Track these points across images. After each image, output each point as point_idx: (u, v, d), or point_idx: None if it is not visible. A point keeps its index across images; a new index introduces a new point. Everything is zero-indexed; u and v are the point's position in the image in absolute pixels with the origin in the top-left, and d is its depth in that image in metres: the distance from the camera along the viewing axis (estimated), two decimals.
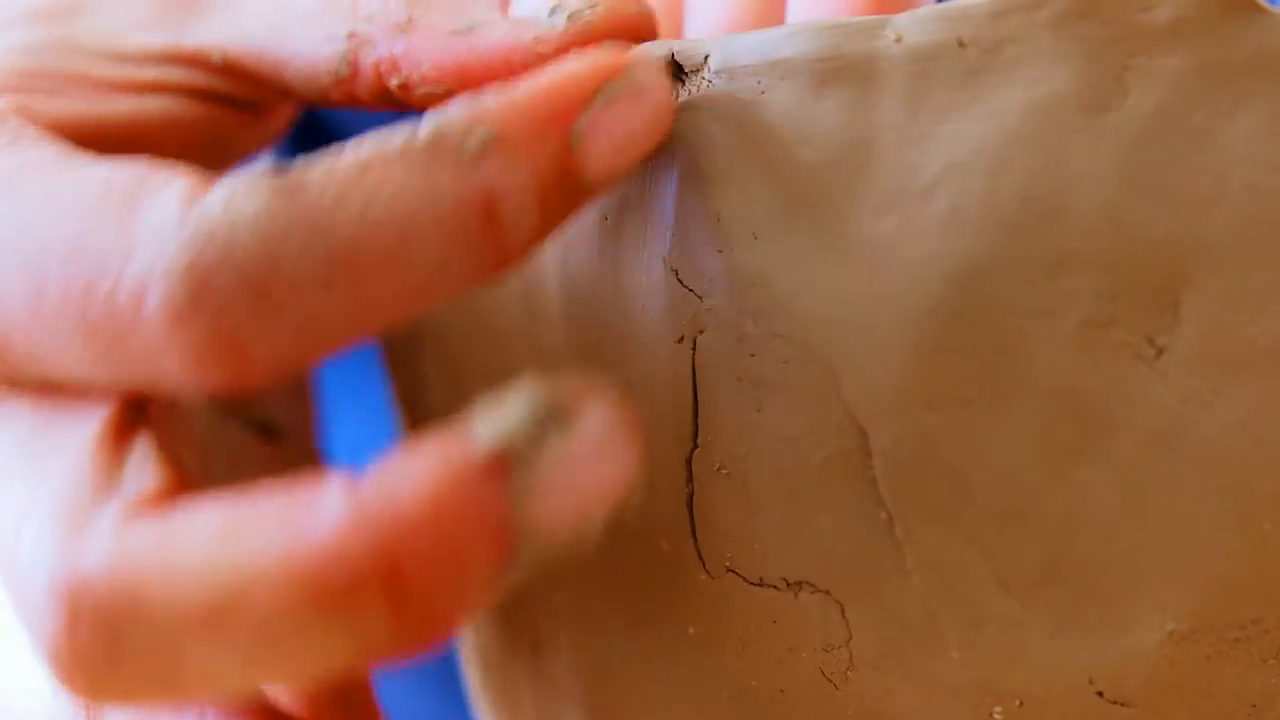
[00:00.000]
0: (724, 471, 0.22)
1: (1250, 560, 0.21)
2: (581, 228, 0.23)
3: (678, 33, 0.26)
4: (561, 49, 0.23)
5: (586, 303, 0.23)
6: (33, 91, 0.24)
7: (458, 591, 0.18)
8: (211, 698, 0.21)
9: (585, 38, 0.23)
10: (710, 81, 0.22)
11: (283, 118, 0.29)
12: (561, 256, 0.24)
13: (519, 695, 0.28)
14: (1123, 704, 0.22)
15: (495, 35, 0.23)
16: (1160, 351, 0.21)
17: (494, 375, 0.25)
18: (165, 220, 0.19)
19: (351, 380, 0.45)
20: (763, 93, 0.22)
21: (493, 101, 0.20)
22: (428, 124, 0.20)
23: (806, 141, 0.21)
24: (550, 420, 0.18)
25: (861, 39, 0.21)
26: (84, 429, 0.21)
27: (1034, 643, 0.22)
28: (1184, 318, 0.21)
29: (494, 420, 0.18)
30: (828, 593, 0.22)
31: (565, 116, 0.20)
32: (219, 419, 0.28)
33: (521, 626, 0.27)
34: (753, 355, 0.22)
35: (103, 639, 0.19)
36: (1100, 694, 0.22)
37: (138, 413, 0.22)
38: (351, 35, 0.24)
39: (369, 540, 0.18)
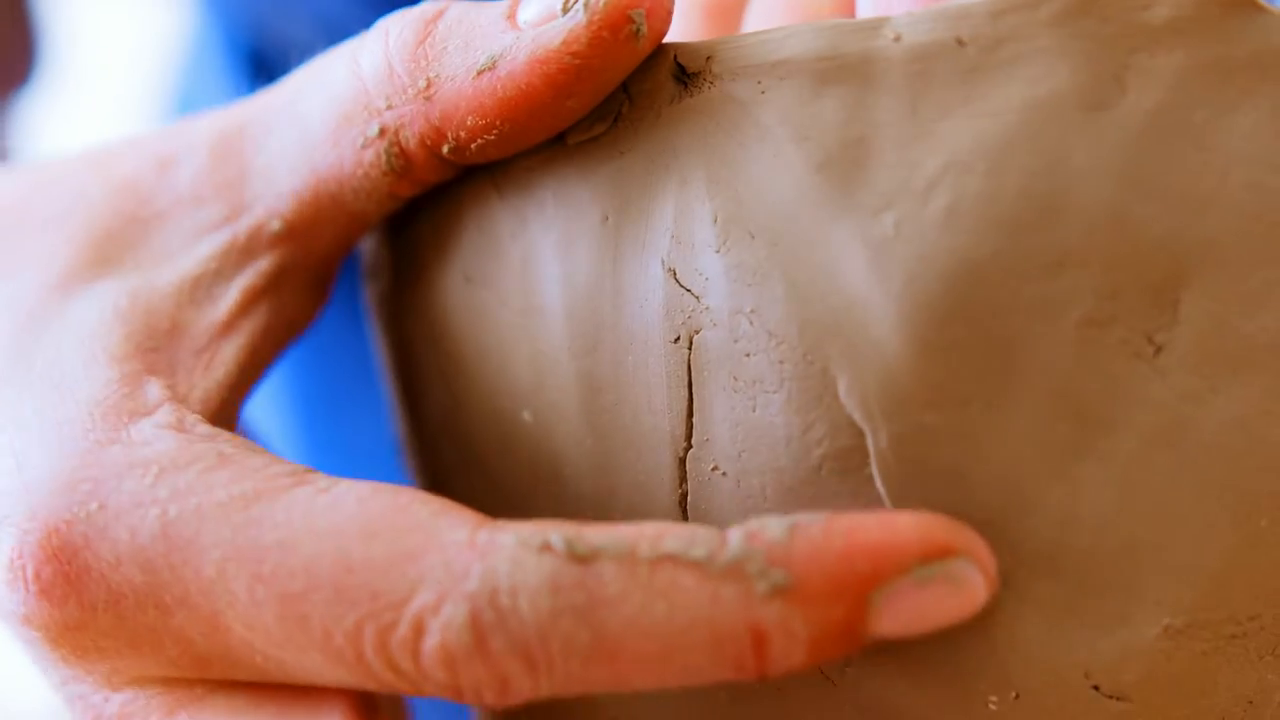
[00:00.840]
0: (719, 471, 0.23)
1: (1247, 557, 0.21)
2: (582, 227, 0.24)
3: (737, 22, 0.26)
4: (594, 39, 0.22)
5: (585, 301, 0.24)
6: (162, 374, 0.24)
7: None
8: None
9: (613, 16, 0.22)
10: (712, 83, 0.22)
11: (359, 231, 0.27)
12: (562, 255, 0.24)
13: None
14: (1119, 698, 0.22)
15: (520, 57, 0.22)
16: (1159, 349, 0.21)
17: (492, 373, 0.25)
18: (451, 566, 0.20)
19: (352, 381, 0.45)
20: (763, 93, 0.22)
21: (804, 540, 0.20)
22: (735, 544, 0.20)
23: (806, 140, 0.21)
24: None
25: (860, 38, 0.21)
26: None
27: (1031, 636, 0.22)
28: (1183, 316, 0.21)
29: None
30: None
31: (869, 584, 0.20)
32: None
33: None
34: (748, 355, 0.22)
35: None
36: (1096, 688, 0.22)
37: (370, 707, 0.23)
38: (383, 129, 0.24)
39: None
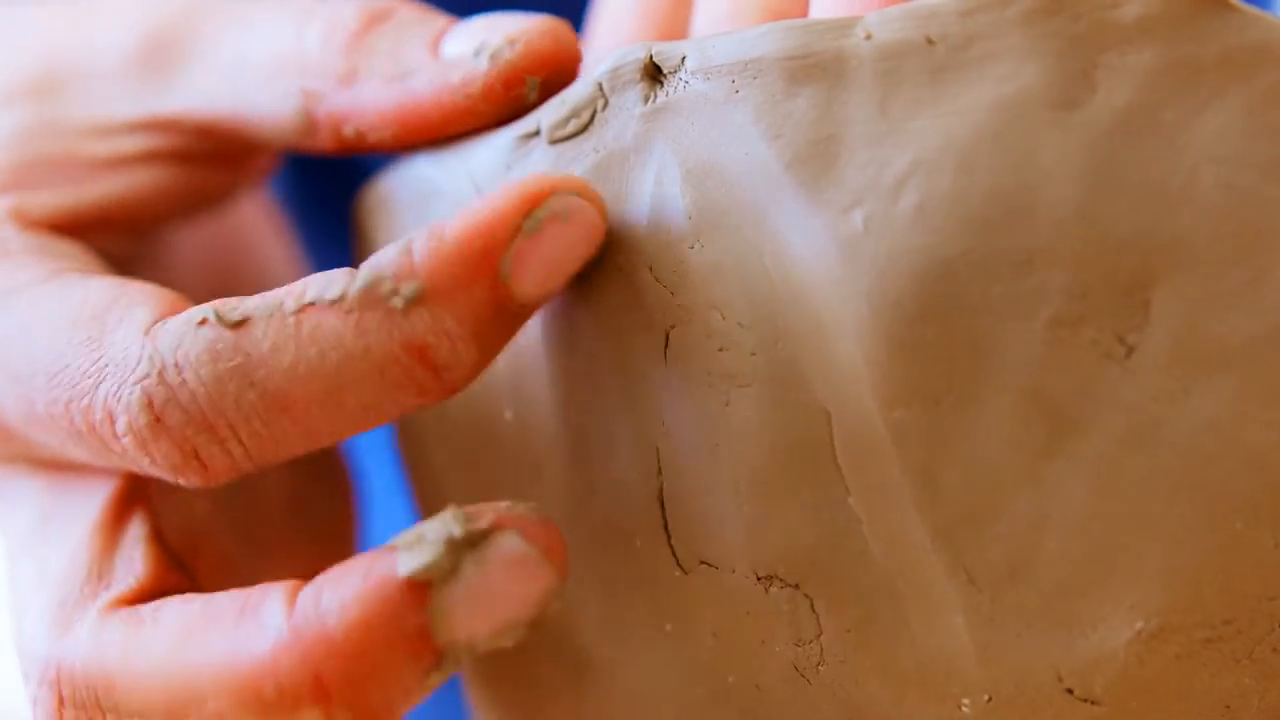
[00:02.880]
0: (695, 466, 0.23)
1: (1221, 560, 0.21)
2: None
3: (684, 25, 0.26)
4: (487, 89, 0.24)
5: (560, 299, 0.24)
6: (26, 187, 0.26)
7: (384, 697, 0.21)
8: None
9: (508, 76, 0.24)
10: (687, 82, 0.22)
11: (265, 162, 0.30)
12: None
13: (507, 697, 0.28)
14: (1092, 701, 0.22)
15: (425, 80, 0.24)
16: (1130, 350, 0.21)
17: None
18: (126, 351, 0.22)
19: None
20: (736, 91, 0.22)
21: (421, 247, 0.21)
22: (361, 274, 0.21)
23: (777, 138, 0.21)
24: (465, 547, 0.20)
25: (832, 37, 0.21)
26: (86, 512, 0.25)
27: (1003, 638, 0.22)
28: (1154, 316, 0.21)
29: (413, 547, 0.20)
30: (796, 586, 0.22)
31: (491, 255, 0.21)
32: None
33: None
34: (721, 350, 0.22)
35: None
36: (1069, 691, 0.22)
37: (139, 483, 0.25)
38: (304, 92, 0.26)
39: (298, 658, 0.20)
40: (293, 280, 0.23)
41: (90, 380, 0.22)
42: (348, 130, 0.26)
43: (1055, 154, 0.20)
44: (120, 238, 0.28)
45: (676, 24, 0.26)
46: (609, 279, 0.23)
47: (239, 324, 0.21)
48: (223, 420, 0.21)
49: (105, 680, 0.22)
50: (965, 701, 0.22)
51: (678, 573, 0.23)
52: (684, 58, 0.22)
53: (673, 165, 0.22)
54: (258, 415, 0.21)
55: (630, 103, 0.23)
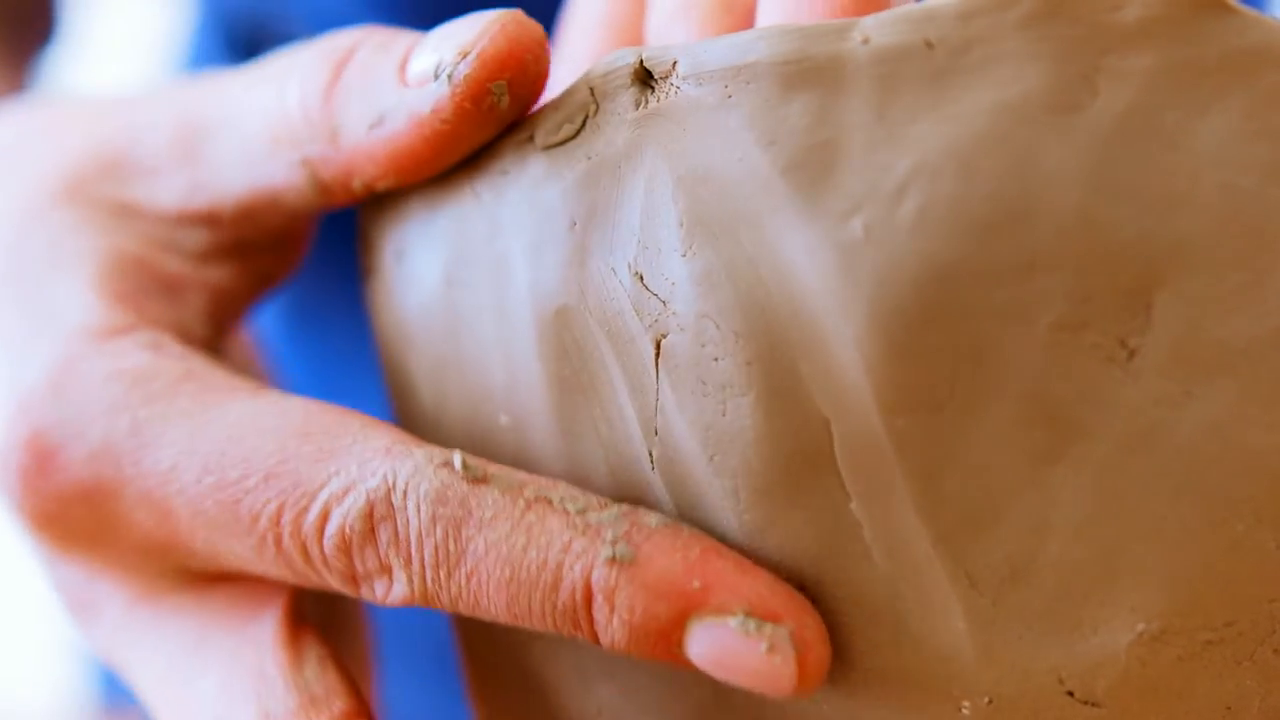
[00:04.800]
0: (690, 474, 0.22)
1: (1222, 563, 0.21)
2: (550, 232, 0.23)
3: (639, 24, 0.26)
4: (458, 111, 0.24)
5: (553, 307, 0.23)
6: (134, 303, 0.27)
7: None
8: None
9: (472, 92, 0.23)
10: (679, 87, 0.22)
11: (308, 226, 0.30)
12: (531, 260, 0.24)
13: (509, 696, 0.28)
14: (1093, 704, 0.22)
15: (402, 119, 0.24)
16: (1132, 354, 0.21)
17: (472, 376, 0.25)
18: (364, 464, 0.23)
19: (355, 381, 0.45)
20: (730, 97, 0.22)
21: (665, 535, 0.22)
22: (608, 510, 0.22)
23: (772, 144, 0.21)
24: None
25: (828, 42, 0.21)
26: (261, 625, 0.25)
27: (1004, 641, 0.21)
28: (1156, 319, 0.21)
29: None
30: (799, 588, 0.22)
31: (695, 601, 0.22)
32: None
33: (510, 627, 0.27)
34: (716, 360, 0.22)
35: None
36: (1070, 694, 0.22)
37: (300, 604, 0.26)
38: (304, 160, 0.26)
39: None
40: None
41: (314, 485, 0.23)
42: (356, 185, 0.26)
43: (1056, 158, 0.20)
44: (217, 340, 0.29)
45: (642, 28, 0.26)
46: (600, 286, 0.23)
47: (477, 480, 0.23)
48: (419, 555, 0.23)
49: None
50: (966, 704, 0.22)
51: None
52: (675, 63, 0.22)
53: (664, 172, 0.22)
54: (446, 565, 0.23)
55: (622, 108, 0.23)
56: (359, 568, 0.23)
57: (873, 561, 0.22)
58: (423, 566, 0.23)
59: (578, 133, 0.23)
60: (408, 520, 0.23)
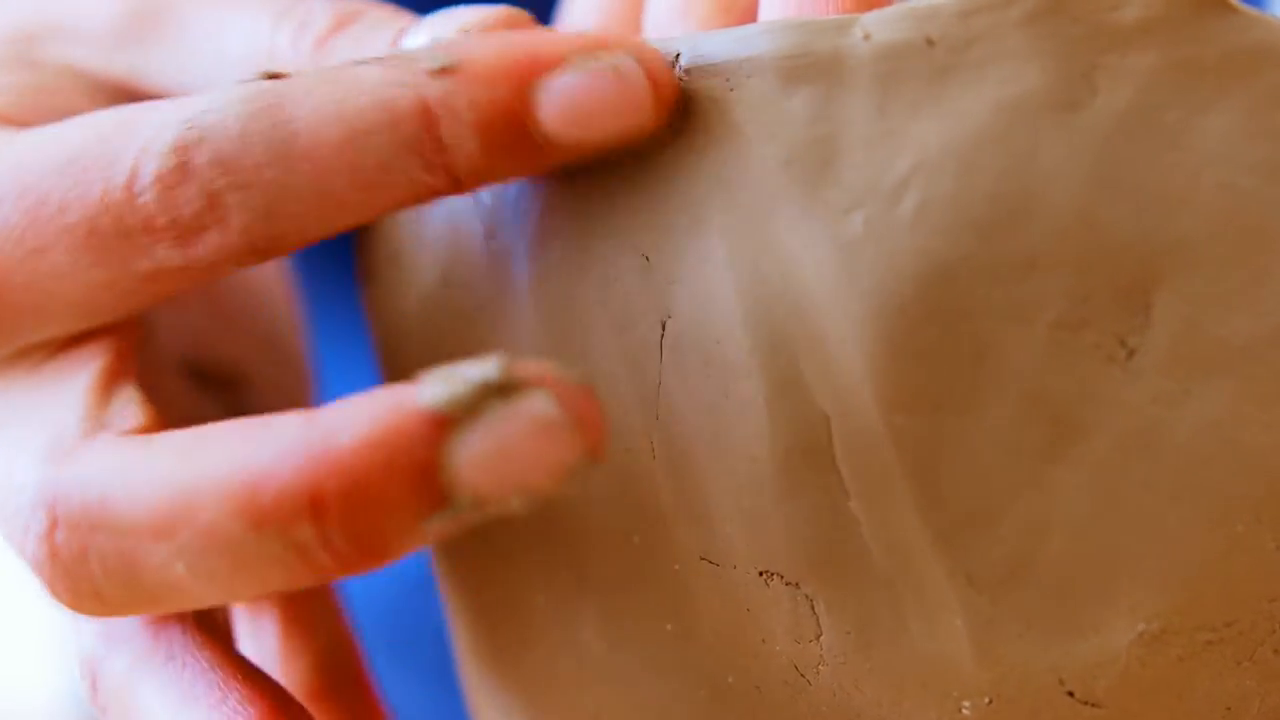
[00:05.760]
0: (691, 457, 0.22)
1: (1222, 562, 0.21)
2: (553, 221, 0.23)
3: (636, 20, 0.26)
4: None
5: (557, 284, 0.23)
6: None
7: (380, 526, 0.19)
8: (175, 609, 0.23)
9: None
10: (681, 80, 0.22)
11: None
12: (533, 252, 0.24)
13: (509, 695, 0.28)
14: (1093, 704, 0.22)
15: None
16: (1132, 353, 0.21)
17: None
18: (164, 113, 0.22)
19: (352, 370, 0.45)
20: (731, 90, 0.22)
21: (476, 35, 0.22)
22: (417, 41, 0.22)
23: (773, 139, 0.21)
24: (494, 393, 0.19)
25: (830, 37, 0.21)
26: (77, 380, 0.24)
27: (1004, 640, 0.21)
28: (1155, 318, 0.20)
29: (442, 381, 0.19)
30: (797, 585, 0.22)
31: (529, 68, 0.21)
32: (188, 384, 0.31)
33: (510, 627, 0.27)
34: (719, 342, 0.22)
35: (76, 543, 0.21)
36: (1071, 694, 0.22)
37: (126, 363, 0.24)
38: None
39: (300, 468, 0.19)
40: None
41: (113, 154, 0.22)
42: None
43: (1056, 156, 0.20)
44: None
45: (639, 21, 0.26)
46: (604, 270, 0.23)
47: (278, 75, 0.22)
48: (248, 160, 0.21)
49: (100, 497, 0.21)
50: (966, 704, 0.22)
51: (677, 567, 0.23)
52: (678, 55, 0.22)
53: (668, 161, 0.22)
54: (281, 156, 0.21)
55: None
56: (186, 212, 0.22)
57: (871, 559, 0.22)
58: (255, 169, 0.21)
59: None
60: (223, 129, 0.21)
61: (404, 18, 0.25)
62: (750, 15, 0.25)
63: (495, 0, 0.24)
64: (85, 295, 0.23)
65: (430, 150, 0.21)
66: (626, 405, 0.23)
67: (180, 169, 0.21)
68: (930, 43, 0.21)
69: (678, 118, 0.22)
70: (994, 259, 0.20)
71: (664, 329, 0.22)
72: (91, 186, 0.22)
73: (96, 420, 0.23)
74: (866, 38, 0.21)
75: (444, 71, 0.21)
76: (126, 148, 0.22)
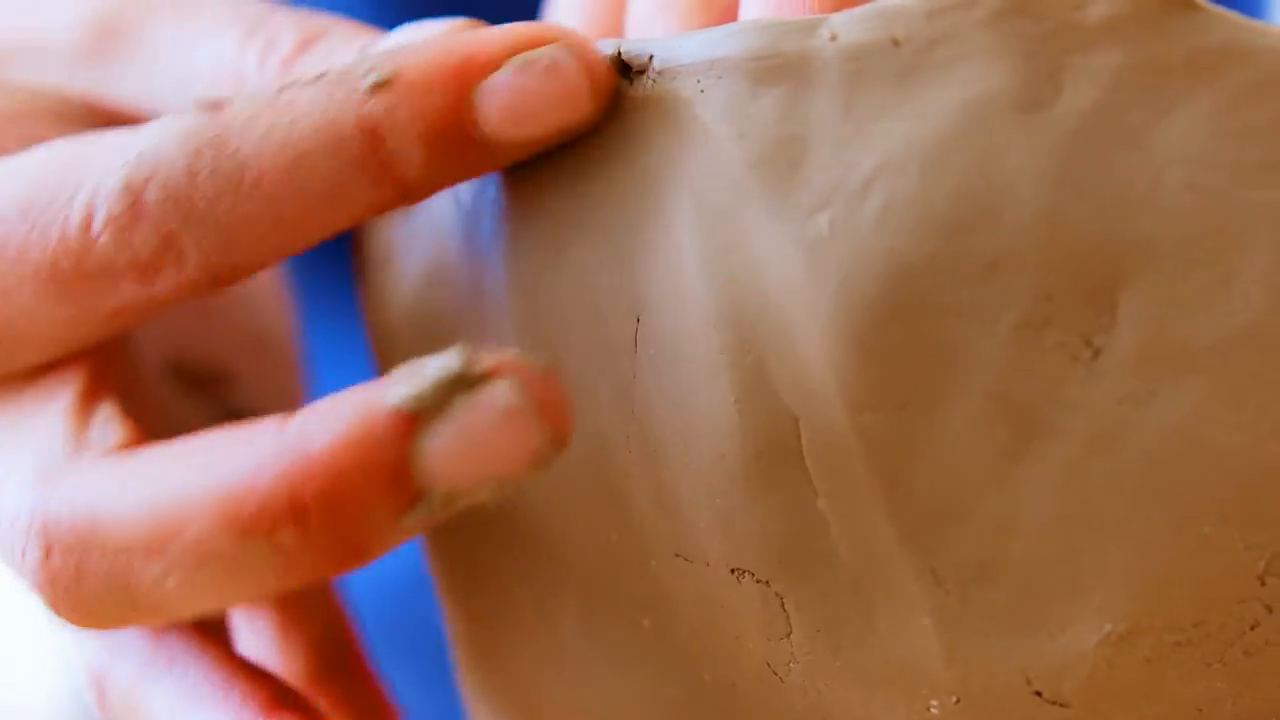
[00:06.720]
0: (664, 455, 0.22)
1: (1190, 563, 0.21)
2: (528, 224, 0.24)
3: (619, 21, 0.27)
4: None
5: (533, 282, 0.24)
6: None
7: (359, 526, 0.20)
8: (174, 618, 0.23)
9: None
10: (654, 80, 0.22)
11: None
12: (510, 254, 0.24)
13: (498, 694, 0.28)
14: (1061, 704, 0.22)
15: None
16: (1097, 352, 0.21)
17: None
18: (111, 151, 0.22)
19: (352, 370, 0.45)
20: (702, 91, 0.22)
21: (409, 47, 0.22)
22: (350, 57, 0.22)
23: (742, 138, 0.21)
24: (459, 386, 0.19)
25: (797, 38, 0.21)
26: (56, 404, 0.24)
27: (971, 640, 0.21)
28: (1120, 318, 0.20)
29: (407, 379, 0.20)
30: (768, 583, 0.22)
31: (465, 72, 0.22)
32: (172, 386, 0.31)
33: (495, 625, 0.27)
34: (689, 340, 0.22)
35: (71, 565, 0.22)
36: (1038, 694, 0.22)
37: (103, 381, 0.25)
38: None
39: (279, 475, 0.20)
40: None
41: (69, 193, 0.22)
42: None
43: (1021, 156, 0.20)
44: None
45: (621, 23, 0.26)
46: (582, 265, 0.23)
47: (219, 105, 0.22)
48: (198, 195, 0.22)
49: (89, 519, 0.22)
50: (934, 703, 0.22)
51: (653, 563, 0.23)
52: (651, 56, 0.22)
53: (638, 164, 0.22)
54: (231, 189, 0.22)
55: None
56: (143, 252, 0.22)
57: (839, 558, 0.22)
58: (208, 205, 0.22)
59: None
60: (171, 167, 0.22)
61: (368, 34, 0.25)
62: (731, 13, 0.25)
63: (456, 13, 0.24)
64: (56, 331, 0.24)
65: (377, 167, 0.22)
66: (602, 401, 0.23)
67: (132, 209, 0.22)
68: (896, 43, 0.21)
69: (651, 118, 0.22)
70: (958, 258, 0.20)
71: (638, 325, 0.22)
72: (48, 230, 0.23)
73: (79, 441, 0.23)
74: (833, 38, 0.21)
75: (382, 85, 0.21)
76: (79, 187, 0.22)
